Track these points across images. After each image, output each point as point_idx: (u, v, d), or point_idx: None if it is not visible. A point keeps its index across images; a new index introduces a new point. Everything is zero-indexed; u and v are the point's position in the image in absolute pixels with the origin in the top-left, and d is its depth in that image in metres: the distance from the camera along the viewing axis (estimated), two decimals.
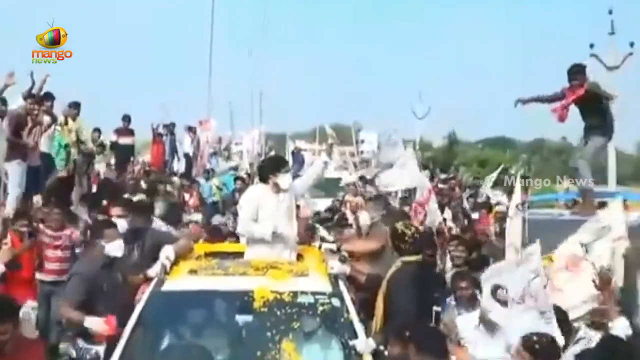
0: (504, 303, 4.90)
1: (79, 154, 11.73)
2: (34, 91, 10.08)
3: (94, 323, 5.05)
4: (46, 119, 10.55)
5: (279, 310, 5.02)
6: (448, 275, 7.35)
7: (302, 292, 5.19)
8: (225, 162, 19.83)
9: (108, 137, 15.47)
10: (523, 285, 4.72)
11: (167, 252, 5.71)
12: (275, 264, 5.65)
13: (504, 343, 4.76)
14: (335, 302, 5.22)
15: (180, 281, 5.45)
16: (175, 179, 14.76)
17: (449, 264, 7.78)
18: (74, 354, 5.21)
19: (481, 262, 7.19)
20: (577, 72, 8.02)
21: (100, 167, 14.34)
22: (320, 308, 5.15)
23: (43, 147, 10.54)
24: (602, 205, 7.28)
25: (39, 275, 7.60)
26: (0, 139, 9.31)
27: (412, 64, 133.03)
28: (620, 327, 4.96)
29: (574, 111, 8.18)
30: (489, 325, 5.23)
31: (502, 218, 10.08)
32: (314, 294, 5.22)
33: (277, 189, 6.29)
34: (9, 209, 8.49)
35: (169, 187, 12.96)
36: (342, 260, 5.98)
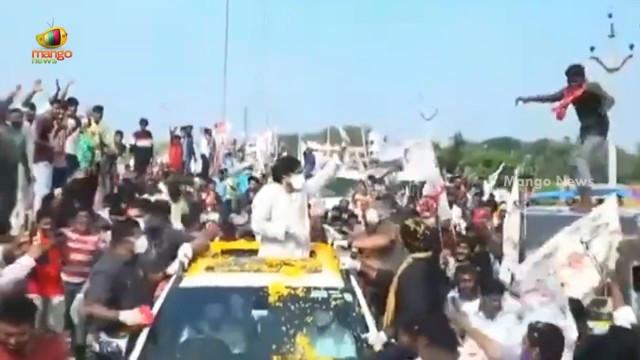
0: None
1: (102, 156, 11.82)
2: (59, 97, 10.36)
3: (130, 316, 5.02)
4: (70, 122, 10.76)
5: (293, 305, 5.01)
6: (450, 270, 7.41)
7: (315, 288, 5.20)
8: (240, 162, 19.87)
9: (127, 140, 15.55)
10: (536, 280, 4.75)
11: (185, 250, 5.73)
12: (289, 261, 5.66)
13: (503, 328, 4.81)
14: (348, 297, 5.22)
15: (197, 278, 5.46)
16: (196, 179, 14.80)
17: (451, 259, 7.86)
18: (97, 347, 5.19)
19: (482, 257, 7.25)
20: (575, 73, 8.02)
21: (120, 168, 14.41)
22: (333, 303, 5.15)
23: (68, 149, 10.72)
24: (601, 202, 7.25)
25: (62, 275, 7.64)
26: (29, 142, 9.38)
27: (413, 64, 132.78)
28: (624, 316, 4.96)
29: (574, 112, 8.16)
30: (487, 312, 5.45)
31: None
32: (326, 289, 5.23)
33: (290, 188, 6.28)
34: (37, 208, 8.54)
35: (189, 188, 13.01)
36: (353, 257, 5.98)
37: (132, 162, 15.62)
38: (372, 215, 7.61)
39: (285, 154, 18.82)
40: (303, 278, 5.30)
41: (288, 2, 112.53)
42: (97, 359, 5.37)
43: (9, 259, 5.90)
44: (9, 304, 4.22)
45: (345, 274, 5.56)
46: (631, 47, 17.70)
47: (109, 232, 8.27)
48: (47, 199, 8.84)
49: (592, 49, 17.75)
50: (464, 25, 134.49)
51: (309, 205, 7.51)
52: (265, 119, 29.13)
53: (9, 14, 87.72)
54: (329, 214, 12.39)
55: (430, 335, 3.84)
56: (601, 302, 5.56)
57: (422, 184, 12.86)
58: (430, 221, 8.41)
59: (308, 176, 8.04)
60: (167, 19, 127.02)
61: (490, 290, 5.76)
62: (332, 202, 14.08)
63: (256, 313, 5.22)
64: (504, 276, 6.46)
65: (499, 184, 17.61)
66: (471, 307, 5.69)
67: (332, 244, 6.85)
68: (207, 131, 18.50)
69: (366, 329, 4.95)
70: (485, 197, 15.84)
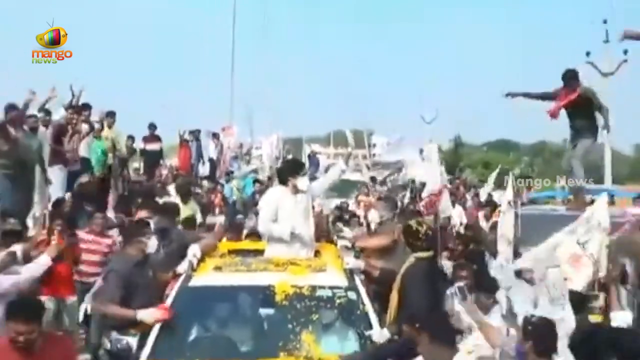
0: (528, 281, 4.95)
1: (114, 159, 11.90)
2: (73, 102, 10.61)
3: (148, 314, 5.03)
4: (84, 127, 10.96)
5: (299, 304, 5.03)
6: (448, 269, 7.41)
7: (320, 286, 5.22)
8: (246, 165, 19.89)
9: (137, 144, 15.59)
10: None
11: (194, 251, 5.76)
12: (295, 261, 5.68)
13: (496, 322, 4.80)
14: (352, 295, 5.24)
15: (206, 277, 5.48)
16: (205, 182, 14.84)
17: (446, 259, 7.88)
18: (108, 345, 5.21)
19: (477, 255, 7.25)
20: (570, 77, 8.10)
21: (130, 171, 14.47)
22: (338, 301, 5.17)
23: (82, 152, 10.87)
24: (594, 202, 7.29)
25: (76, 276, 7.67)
26: (45, 146, 9.53)
27: (413, 65, 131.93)
28: (621, 318, 4.96)
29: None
30: (481, 309, 5.33)
31: None
32: (331, 287, 5.25)
33: (295, 190, 6.31)
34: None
35: (197, 190, 13.06)
36: (357, 257, 5.98)
37: (140, 165, 15.68)
38: (374, 216, 7.63)
39: (290, 156, 18.85)
40: (308, 277, 5.32)
41: (288, 2, 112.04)
42: (108, 357, 5.42)
43: (26, 258, 5.94)
44: (19, 304, 4.31)
45: (349, 273, 5.57)
46: (625, 52, 17.70)
47: (115, 230, 8.37)
48: (58, 201, 8.91)
49: (587, 53, 17.80)
50: (464, 25, 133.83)
51: (313, 207, 7.53)
52: (270, 123, 29.07)
53: (9, 14, 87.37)
54: (330, 215, 12.41)
55: (431, 332, 3.85)
56: (593, 296, 5.58)
57: (423, 185, 12.89)
58: (431, 219, 8.45)
59: (312, 178, 8.07)
60: (172, 21, 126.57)
61: (484, 287, 5.74)
62: (334, 202, 14.09)
63: (263, 311, 5.25)
64: (495, 272, 6.47)
65: (499, 185, 17.59)
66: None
67: (336, 243, 6.86)
68: (215, 135, 18.54)
69: (370, 326, 4.97)
70: (483, 198, 15.82)
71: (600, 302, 5.45)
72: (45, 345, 4.20)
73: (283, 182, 6.46)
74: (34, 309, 4.26)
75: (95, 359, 6.83)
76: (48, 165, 9.44)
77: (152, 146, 15.30)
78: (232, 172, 17.54)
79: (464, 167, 30.16)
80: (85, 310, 7.29)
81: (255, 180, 15.62)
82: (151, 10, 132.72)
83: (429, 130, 33.27)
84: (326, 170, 14.66)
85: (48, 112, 10.20)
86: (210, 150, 18.12)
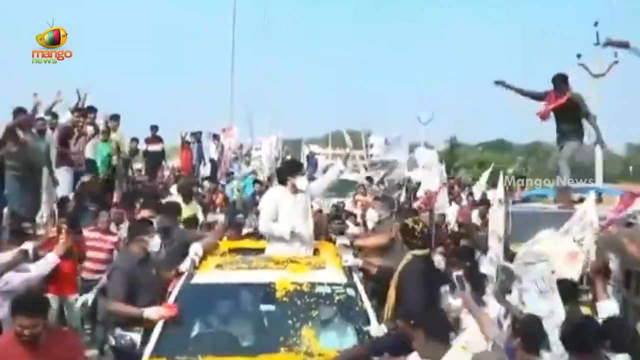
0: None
1: (118, 161, 11.96)
2: (79, 105, 10.79)
3: (154, 311, 5.05)
4: (90, 129, 11.07)
5: (299, 300, 5.05)
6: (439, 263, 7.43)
7: (320, 283, 5.23)
8: (247, 166, 19.89)
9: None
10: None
11: (196, 249, 5.77)
12: (295, 259, 5.71)
13: (492, 314, 4.84)
14: (350, 292, 5.25)
15: (208, 275, 5.49)
16: (206, 183, 14.87)
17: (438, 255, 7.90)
18: (112, 341, 5.22)
19: (468, 251, 7.27)
20: (560, 81, 8.22)
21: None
22: (337, 297, 5.18)
23: (88, 154, 10.97)
24: (582, 200, 7.36)
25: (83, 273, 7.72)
26: (52, 148, 9.62)
27: (412, 64, 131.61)
28: (608, 308, 4.99)
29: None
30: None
31: None
32: (330, 284, 5.26)
33: (295, 190, 6.33)
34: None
35: (199, 190, 13.09)
36: (355, 255, 6.00)
37: (139, 165, 15.73)
38: (372, 216, 7.64)
39: (289, 157, 18.85)
40: (308, 274, 5.34)
41: (288, 2, 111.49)
42: (113, 352, 5.43)
43: (34, 256, 5.97)
44: (24, 299, 4.31)
45: (348, 270, 5.59)
46: (615, 53, 17.68)
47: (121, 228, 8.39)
48: (62, 200, 8.95)
49: (578, 56, 17.81)
50: (463, 26, 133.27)
51: (312, 206, 7.54)
52: (270, 123, 29.04)
53: (9, 14, 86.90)
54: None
55: (425, 329, 3.87)
56: (583, 291, 5.61)
57: (418, 184, 12.93)
58: (425, 215, 8.49)
59: (311, 179, 8.09)
60: (172, 21, 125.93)
61: (474, 283, 5.75)
62: (331, 202, 14.10)
63: (264, 308, 5.25)
64: (485, 268, 6.48)
65: (493, 184, 17.59)
66: (459, 301, 5.66)
67: (334, 242, 6.88)
68: (216, 136, 18.56)
69: (368, 321, 4.98)
70: (477, 197, 15.85)
71: (590, 296, 5.48)
72: (50, 340, 4.20)
73: (282, 182, 6.50)
74: (39, 303, 4.26)
75: (102, 354, 6.86)
76: (55, 167, 9.51)
77: (154, 147, 15.32)
78: (232, 173, 17.55)
79: (460, 167, 30.24)
80: (89, 305, 7.31)
81: (255, 181, 15.61)
82: (151, 10, 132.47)
83: (426, 130, 33.33)
84: (324, 170, 14.67)
85: (55, 115, 10.37)
86: (211, 151, 18.14)
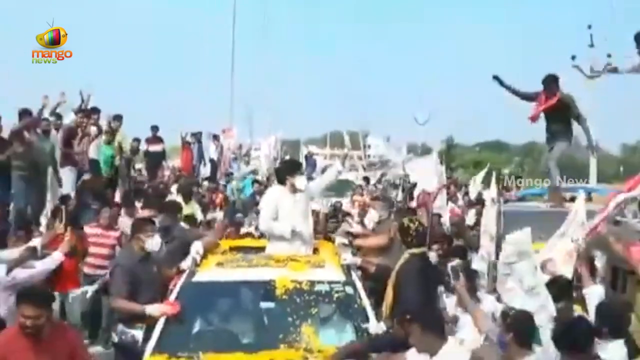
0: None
1: (120, 160, 11.97)
2: (82, 106, 10.94)
3: (156, 308, 5.07)
4: (93, 129, 11.12)
5: (299, 298, 5.07)
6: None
7: (319, 281, 5.25)
8: (246, 166, 19.90)
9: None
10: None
11: (197, 247, 5.80)
12: (294, 257, 5.73)
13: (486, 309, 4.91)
14: (349, 289, 5.27)
15: (209, 273, 5.51)
16: (205, 182, 14.89)
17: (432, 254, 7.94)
18: (115, 338, 5.24)
19: (460, 251, 7.31)
20: (550, 82, 8.23)
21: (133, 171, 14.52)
22: (336, 295, 5.20)
23: (91, 154, 11.00)
24: (573, 199, 7.41)
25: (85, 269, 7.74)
26: (57, 148, 9.75)
27: (412, 64, 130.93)
28: (595, 293, 5.05)
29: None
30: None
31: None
32: (329, 282, 5.28)
33: (294, 189, 6.36)
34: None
35: (199, 190, 13.12)
36: (354, 253, 6.02)
37: (139, 165, 15.75)
38: (374, 216, 7.66)
39: (287, 157, 18.86)
40: (307, 272, 5.36)
41: (288, 2, 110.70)
42: (115, 349, 5.45)
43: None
44: (30, 290, 4.38)
45: (347, 268, 5.62)
46: (609, 55, 17.71)
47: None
48: (64, 198, 8.99)
49: (573, 57, 17.79)
50: (463, 26, 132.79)
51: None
52: (269, 123, 29.06)
53: (9, 14, 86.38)
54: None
55: (422, 322, 3.90)
56: (575, 287, 5.65)
57: (414, 184, 12.95)
58: (423, 214, 8.50)
59: (309, 179, 8.11)
60: (172, 21, 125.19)
61: (468, 280, 5.76)
62: (329, 201, 14.11)
63: (264, 305, 5.25)
64: (477, 265, 6.51)
65: (488, 184, 17.61)
66: (452, 300, 5.60)
67: (334, 241, 6.90)
68: (215, 137, 18.55)
69: (366, 319, 4.99)
70: (473, 197, 15.87)
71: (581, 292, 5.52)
72: (53, 334, 4.24)
73: (281, 181, 6.52)
74: (45, 296, 4.31)
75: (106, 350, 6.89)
76: (59, 167, 9.59)
77: (155, 147, 15.31)
78: (231, 173, 17.56)
79: (457, 167, 30.29)
80: (87, 297, 7.34)
81: (255, 181, 15.62)
82: (151, 10, 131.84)
83: (424, 130, 33.41)
84: (323, 171, 14.69)
85: (59, 116, 10.47)
86: (211, 151, 18.13)
